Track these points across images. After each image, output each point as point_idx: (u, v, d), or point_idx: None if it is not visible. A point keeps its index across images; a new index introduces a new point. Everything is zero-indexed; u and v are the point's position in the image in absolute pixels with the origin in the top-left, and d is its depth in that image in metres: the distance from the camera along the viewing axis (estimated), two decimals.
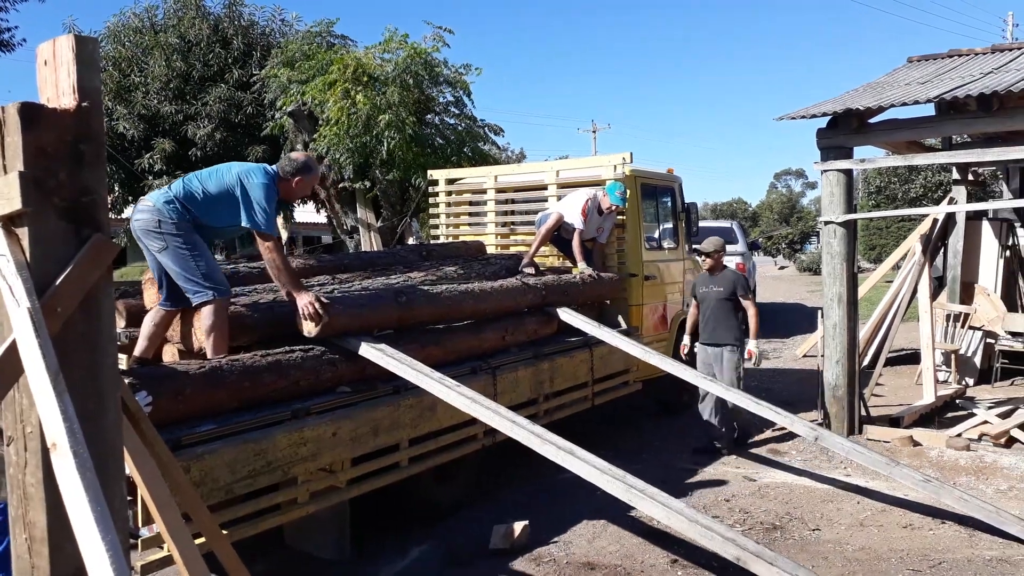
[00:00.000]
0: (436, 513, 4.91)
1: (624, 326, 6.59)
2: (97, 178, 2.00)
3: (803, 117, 6.74)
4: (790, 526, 4.82)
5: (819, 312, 7.18)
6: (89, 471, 1.64)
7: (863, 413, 6.99)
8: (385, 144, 9.80)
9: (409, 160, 9.99)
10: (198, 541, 2.68)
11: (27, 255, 1.90)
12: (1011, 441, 6.48)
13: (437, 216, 7.96)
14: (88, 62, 1.95)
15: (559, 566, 4.27)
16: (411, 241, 12.32)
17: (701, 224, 9.49)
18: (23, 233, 1.91)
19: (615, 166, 6.86)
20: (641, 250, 7.05)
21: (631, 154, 6.98)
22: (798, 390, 8.46)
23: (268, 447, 3.63)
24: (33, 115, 1.91)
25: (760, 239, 20.31)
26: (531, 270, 6.30)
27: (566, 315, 5.86)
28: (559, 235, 6.63)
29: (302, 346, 4.11)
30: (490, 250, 7.26)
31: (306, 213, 20.47)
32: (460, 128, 11.05)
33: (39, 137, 1.89)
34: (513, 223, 7.57)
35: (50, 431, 1.71)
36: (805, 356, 11.10)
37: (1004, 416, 7.07)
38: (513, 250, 7.25)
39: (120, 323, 4.16)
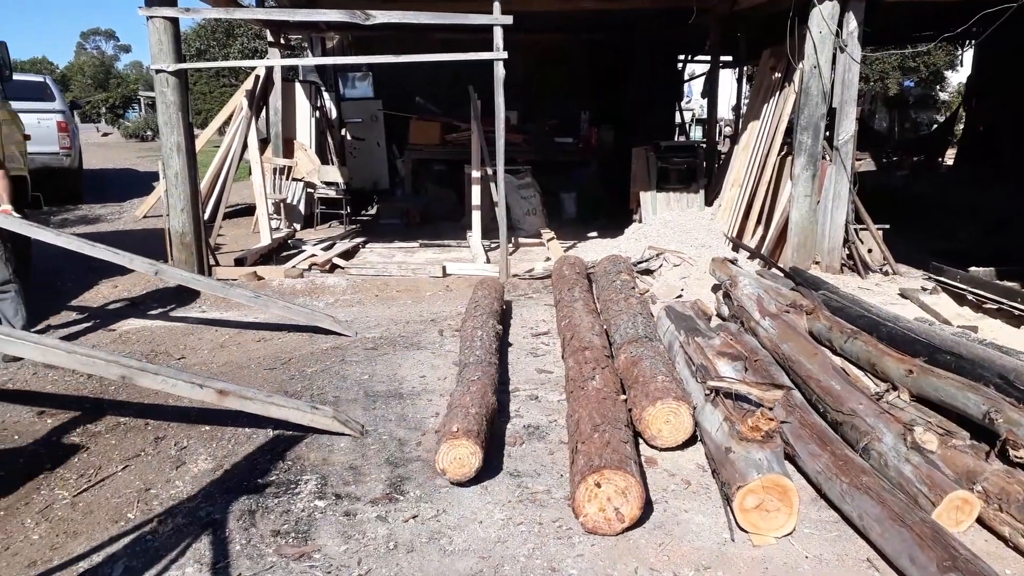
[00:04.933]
0: None
1: None
2: None
3: None
4: (157, 359, 5.01)
5: (159, 164, 7.20)
6: None
7: (211, 258, 7.46)
8: None
9: None
10: None
11: None
12: (333, 267, 7.83)
13: None
14: None
15: None
16: None
17: None
18: None
19: None
20: None
21: None
22: (145, 247, 8.39)
23: None
24: None
25: (82, 101, 18.43)
26: None
27: None
28: None
29: None
30: None
31: None
32: None
33: None
34: None
35: None
36: (145, 216, 10.98)
37: (326, 250, 8.45)
38: None
39: None
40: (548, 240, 8.78)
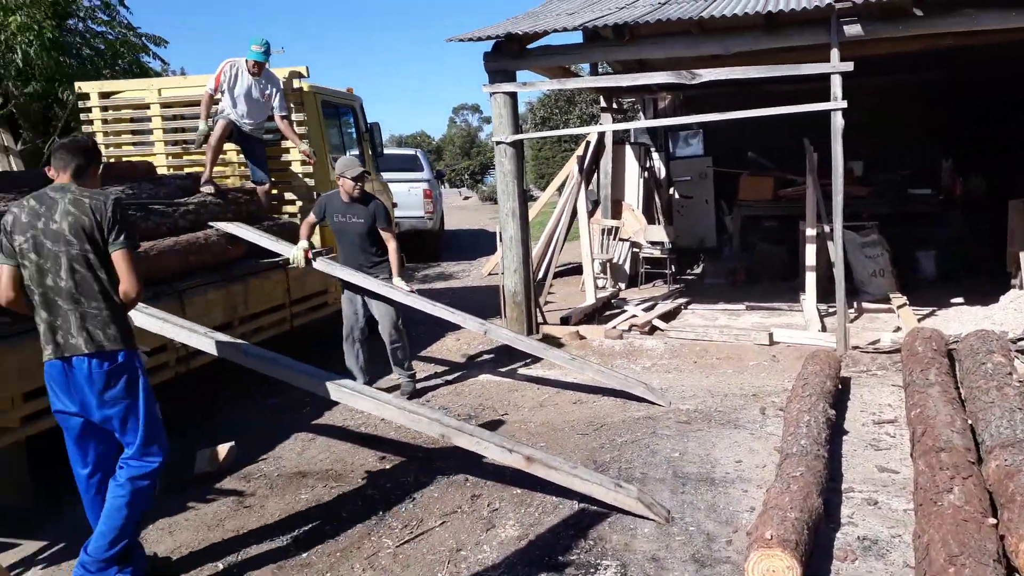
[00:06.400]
0: None
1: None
2: None
3: (470, 39, 7.10)
4: (483, 414, 5.32)
5: (498, 229, 7.77)
6: None
7: (539, 316, 7.83)
8: (19, 51, 8.34)
9: (52, 70, 8.65)
10: None
11: None
12: (653, 329, 7.72)
13: (92, 136, 7.10)
14: None
15: (270, 480, 4.28)
16: None
17: (386, 152, 9.63)
18: None
19: (292, 80, 6.70)
20: (329, 170, 7.00)
21: (307, 68, 6.87)
22: (487, 303, 9.13)
23: None
24: None
25: (446, 170, 21.40)
26: (210, 188, 5.99)
27: (248, 234, 5.68)
28: (242, 138, 6.39)
29: None
30: (161, 171, 6.71)
31: None
32: (112, 37, 9.79)
33: None
34: (185, 142, 7.01)
35: None
36: (491, 274, 11.98)
37: (647, 310, 8.38)
38: (188, 171, 6.78)
39: None
40: (898, 306, 7.73)
